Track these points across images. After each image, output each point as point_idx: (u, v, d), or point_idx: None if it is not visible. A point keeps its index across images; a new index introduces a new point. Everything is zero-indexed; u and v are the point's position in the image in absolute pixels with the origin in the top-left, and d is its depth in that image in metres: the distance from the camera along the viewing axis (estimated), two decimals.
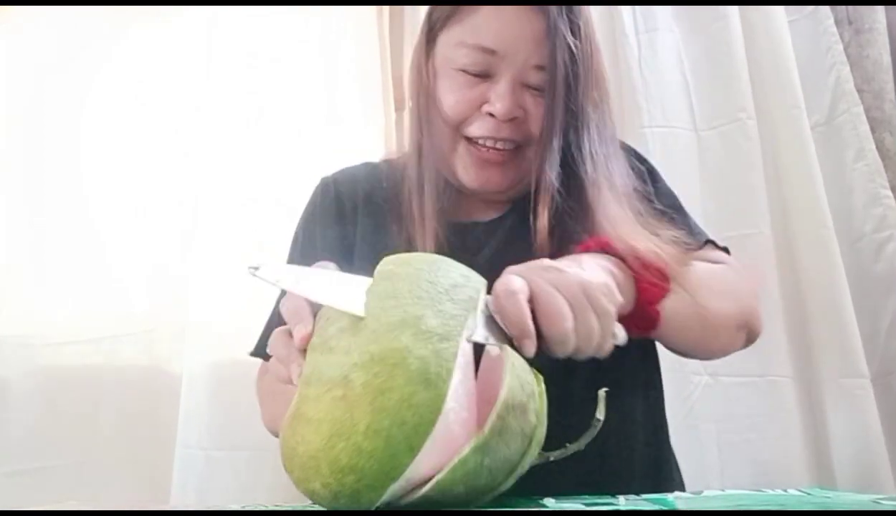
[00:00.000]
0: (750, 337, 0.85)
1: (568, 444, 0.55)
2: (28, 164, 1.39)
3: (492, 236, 0.85)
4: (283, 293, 0.88)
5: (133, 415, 1.29)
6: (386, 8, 1.55)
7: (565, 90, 0.78)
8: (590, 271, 0.61)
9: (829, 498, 0.53)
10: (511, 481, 0.50)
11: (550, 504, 0.52)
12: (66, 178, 1.39)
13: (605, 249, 0.69)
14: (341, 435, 0.44)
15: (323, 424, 0.45)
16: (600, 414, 0.55)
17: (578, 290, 0.57)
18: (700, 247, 0.85)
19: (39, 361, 1.31)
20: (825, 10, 1.46)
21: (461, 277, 0.52)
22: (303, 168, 1.28)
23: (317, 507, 0.51)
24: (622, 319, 0.63)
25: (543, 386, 0.53)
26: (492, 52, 0.79)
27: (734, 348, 0.85)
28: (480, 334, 0.52)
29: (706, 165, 1.43)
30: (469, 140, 0.82)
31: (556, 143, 0.79)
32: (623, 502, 0.53)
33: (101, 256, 1.36)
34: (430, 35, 0.86)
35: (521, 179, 0.83)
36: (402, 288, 0.49)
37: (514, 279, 0.56)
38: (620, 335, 0.60)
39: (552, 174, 0.78)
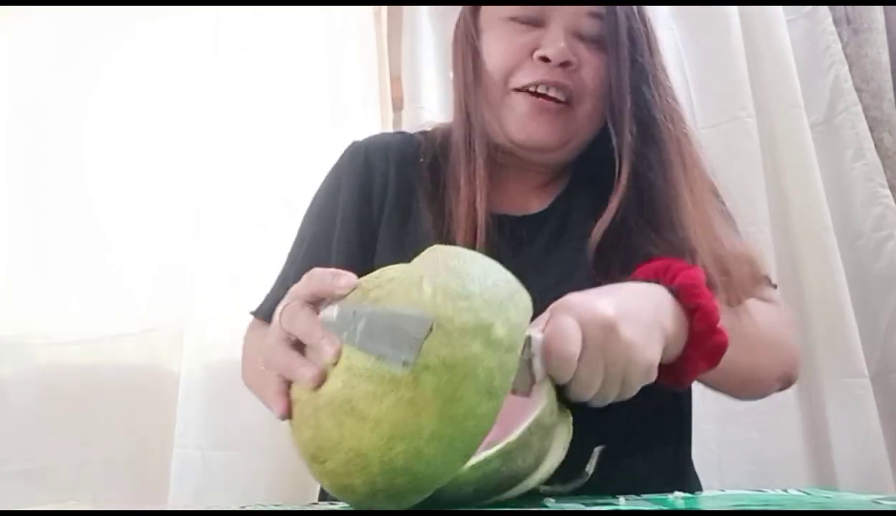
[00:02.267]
0: (785, 386, 0.83)
1: (557, 486, 0.55)
2: (30, 163, 1.39)
3: (534, 234, 0.80)
4: (294, 251, 0.87)
5: (132, 415, 1.29)
6: (385, 8, 1.55)
7: (629, 41, 0.74)
8: (644, 346, 0.56)
9: (829, 498, 0.53)
10: (509, 494, 0.50)
11: (550, 504, 0.52)
12: (69, 178, 1.39)
13: (665, 278, 0.64)
14: (403, 437, 0.43)
15: (383, 424, 0.43)
16: (590, 468, 0.56)
17: (621, 367, 0.55)
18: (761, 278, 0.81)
19: (39, 361, 1.31)
20: (824, 9, 1.46)
21: (517, 283, 0.51)
22: (307, 168, 1.28)
23: (318, 507, 0.51)
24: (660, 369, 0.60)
25: (571, 419, 0.55)
26: None
27: (768, 394, 0.83)
28: (539, 372, 0.53)
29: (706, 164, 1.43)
30: (518, 91, 0.78)
31: (628, 97, 0.74)
32: (623, 502, 0.53)
33: (103, 256, 1.36)
34: None
35: (570, 139, 0.79)
36: (474, 289, 0.46)
37: (575, 342, 0.53)
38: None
39: (627, 128, 0.73)
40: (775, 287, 0.87)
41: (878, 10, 1.46)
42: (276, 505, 0.61)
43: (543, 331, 0.54)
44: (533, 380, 0.53)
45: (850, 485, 1.25)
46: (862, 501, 0.51)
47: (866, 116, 1.40)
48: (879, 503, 0.49)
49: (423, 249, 0.52)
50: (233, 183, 1.36)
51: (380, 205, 0.82)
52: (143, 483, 1.25)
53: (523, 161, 0.83)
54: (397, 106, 1.49)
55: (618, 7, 0.74)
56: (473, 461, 0.46)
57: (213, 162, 1.36)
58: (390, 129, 1.47)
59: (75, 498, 1.21)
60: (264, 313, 0.86)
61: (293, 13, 1.47)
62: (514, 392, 0.51)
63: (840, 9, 1.47)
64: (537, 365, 0.53)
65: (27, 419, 1.28)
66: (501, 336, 0.45)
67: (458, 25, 0.85)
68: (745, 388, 0.79)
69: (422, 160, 0.84)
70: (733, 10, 1.46)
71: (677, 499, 0.55)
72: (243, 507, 0.58)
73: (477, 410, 0.44)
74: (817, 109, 1.43)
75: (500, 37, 0.79)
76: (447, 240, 0.75)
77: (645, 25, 0.77)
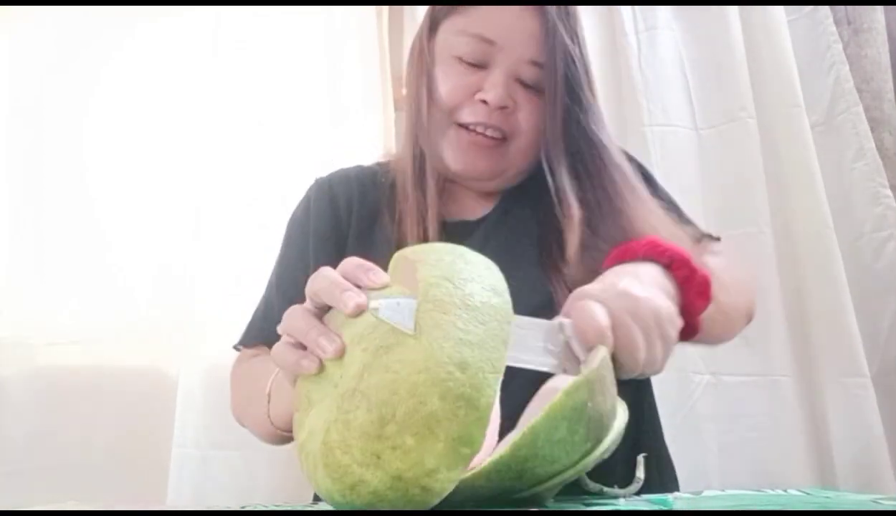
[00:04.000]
0: (749, 321, 0.89)
1: (610, 488, 0.58)
2: (30, 163, 1.39)
3: (484, 231, 0.87)
4: (273, 280, 0.91)
5: (132, 415, 1.29)
6: (385, 8, 1.55)
7: (565, 85, 0.82)
8: (656, 296, 0.62)
9: (829, 498, 0.53)
10: (591, 456, 0.51)
11: (550, 504, 0.52)
12: (69, 178, 1.39)
13: (653, 255, 0.68)
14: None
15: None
16: (641, 473, 0.59)
17: (652, 322, 0.59)
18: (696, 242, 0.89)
19: (39, 361, 1.31)
20: (824, 9, 1.46)
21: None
22: (307, 168, 1.28)
23: (319, 506, 0.51)
24: None
25: (626, 408, 0.56)
26: (490, 43, 0.82)
27: (738, 332, 0.89)
28: (556, 365, 0.56)
29: (706, 164, 1.43)
30: (459, 126, 0.85)
31: (562, 133, 0.82)
32: (623, 502, 0.53)
33: (102, 256, 1.36)
34: (434, 22, 0.89)
35: (504, 171, 0.87)
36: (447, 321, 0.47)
37: (600, 312, 0.57)
38: None
39: (563, 165, 0.82)
40: (719, 240, 0.94)
41: (878, 11, 1.46)
42: (276, 505, 0.61)
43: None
44: (578, 360, 0.56)
45: (851, 485, 1.25)
46: (862, 501, 0.51)
47: (866, 117, 1.40)
48: (879, 503, 0.49)
49: (384, 255, 0.55)
50: (233, 183, 1.36)
51: (347, 226, 0.90)
52: (142, 483, 1.25)
53: (467, 186, 0.91)
54: (398, 106, 1.49)
55: (557, 57, 0.81)
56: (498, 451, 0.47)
57: (213, 162, 1.36)
58: (391, 129, 1.47)
59: (75, 498, 1.21)
60: (247, 342, 0.90)
61: (293, 13, 1.47)
62: (565, 371, 0.55)
63: (840, 9, 1.47)
64: (575, 346, 0.56)
65: (27, 419, 1.28)
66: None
67: (413, 49, 0.92)
68: (726, 328, 0.84)
69: (383, 180, 0.92)
70: (733, 10, 1.46)
71: (677, 499, 0.55)
72: (243, 507, 0.58)
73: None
74: (818, 110, 1.43)
75: (447, 74, 0.85)
76: (402, 245, 0.80)
77: (584, 68, 0.84)
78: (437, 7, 0.89)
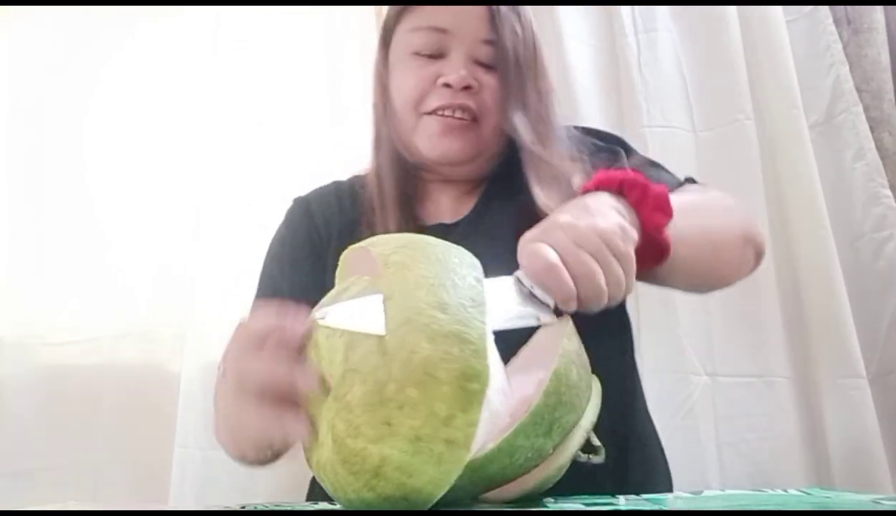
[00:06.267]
0: (758, 252, 0.87)
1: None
2: (30, 163, 1.39)
3: (464, 233, 0.87)
4: (259, 293, 0.92)
5: (132, 416, 1.29)
6: (385, 8, 1.55)
7: (515, 64, 0.85)
8: (601, 215, 0.61)
9: (828, 498, 0.53)
10: (572, 436, 0.50)
11: (550, 503, 0.52)
12: (69, 177, 1.39)
13: (602, 185, 0.68)
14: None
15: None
16: (596, 441, 0.55)
17: (598, 241, 0.58)
18: (678, 187, 0.88)
19: (39, 361, 1.31)
20: (824, 9, 1.46)
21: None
22: (307, 168, 1.28)
23: (318, 507, 0.51)
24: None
25: (600, 386, 0.54)
26: (443, 31, 0.86)
27: (747, 267, 0.86)
28: (531, 315, 0.55)
29: (704, 166, 1.43)
30: (428, 115, 0.86)
31: (521, 108, 0.85)
32: (623, 502, 0.53)
33: (102, 256, 1.36)
34: (386, 34, 0.94)
35: (480, 153, 0.88)
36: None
37: (545, 250, 0.57)
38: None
39: (528, 136, 0.85)
40: (697, 182, 0.94)
41: (878, 10, 1.46)
42: (276, 505, 0.61)
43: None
44: (549, 307, 0.55)
45: (847, 486, 1.25)
46: (862, 501, 0.51)
47: (866, 117, 1.40)
48: (879, 503, 0.49)
49: None
50: (233, 183, 1.36)
51: (328, 242, 0.90)
52: (143, 483, 1.26)
53: (446, 175, 0.92)
54: None
55: (505, 30, 0.84)
56: (505, 433, 0.45)
57: (213, 162, 1.36)
58: None
59: (75, 498, 1.22)
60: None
61: (293, 13, 1.47)
62: (538, 320, 0.55)
63: (840, 9, 1.47)
64: (538, 292, 0.56)
65: (27, 419, 1.28)
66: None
67: (374, 65, 0.95)
68: (721, 260, 0.82)
69: (360, 192, 0.93)
70: (732, 11, 1.46)
71: (677, 499, 0.55)
72: (243, 507, 0.58)
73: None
74: (818, 110, 1.43)
75: (408, 70, 0.88)
76: None
77: (530, 47, 0.87)
78: (388, 17, 0.94)
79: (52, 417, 1.28)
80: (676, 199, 0.70)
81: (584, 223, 0.59)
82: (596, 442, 0.55)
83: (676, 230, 0.68)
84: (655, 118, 1.43)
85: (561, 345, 0.50)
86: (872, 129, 1.39)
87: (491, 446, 0.44)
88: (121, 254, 1.36)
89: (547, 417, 0.46)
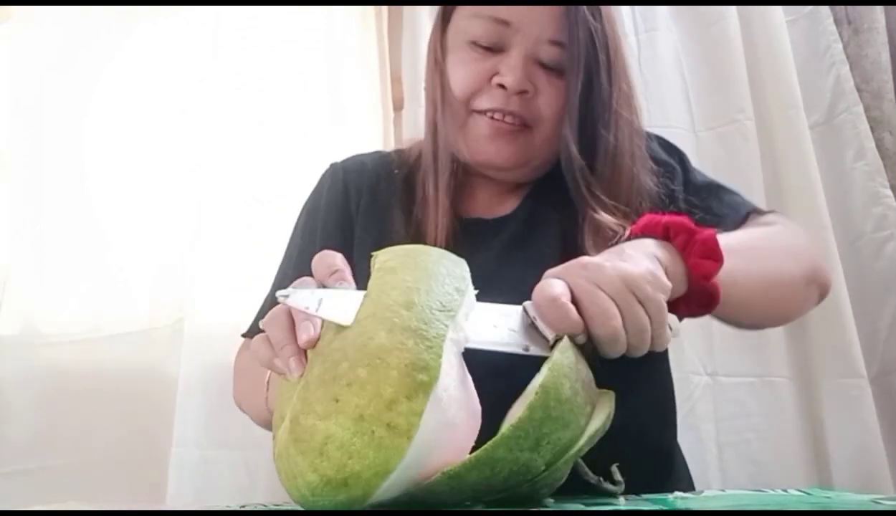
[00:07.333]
0: (822, 290, 0.83)
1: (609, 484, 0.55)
2: (30, 163, 1.39)
3: (501, 232, 0.83)
4: (281, 267, 0.90)
5: (132, 415, 1.29)
6: (385, 8, 1.55)
7: (585, 70, 0.76)
8: (631, 261, 0.58)
9: (829, 498, 0.53)
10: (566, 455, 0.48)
11: (550, 504, 0.52)
12: (69, 177, 1.39)
13: (648, 229, 0.65)
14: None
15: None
16: (618, 477, 0.55)
17: (621, 285, 0.55)
18: (743, 221, 0.83)
19: (39, 361, 1.31)
20: (824, 9, 1.46)
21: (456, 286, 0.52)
22: (307, 168, 1.28)
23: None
24: (680, 302, 0.62)
25: (613, 404, 0.53)
26: (505, 24, 0.78)
27: (810, 304, 0.83)
28: (520, 344, 0.54)
29: (704, 166, 1.41)
30: (478, 114, 0.81)
31: (575, 122, 0.77)
32: (623, 502, 0.53)
33: (102, 256, 1.36)
34: (446, 12, 0.85)
35: (528, 161, 0.82)
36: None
37: (554, 283, 0.55)
38: (675, 326, 0.58)
39: (574, 150, 0.77)
40: (771, 212, 0.89)
41: (878, 10, 1.46)
42: (276, 505, 0.61)
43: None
44: (547, 340, 0.54)
45: (848, 486, 1.25)
46: (862, 501, 0.51)
47: (867, 117, 1.40)
48: (879, 503, 0.49)
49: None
50: (233, 183, 1.36)
51: (355, 215, 0.87)
52: (142, 482, 1.25)
53: (489, 175, 0.86)
54: (397, 106, 1.49)
55: (580, 35, 0.76)
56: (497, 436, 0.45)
57: (213, 162, 1.36)
58: (391, 129, 1.47)
59: (75, 498, 1.21)
60: (254, 330, 0.87)
61: (293, 13, 1.47)
62: (526, 350, 0.54)
63: (840, 9, 1.47)
64: (540, 325, 0.55)
65: (27, 419, 1.28)
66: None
67: (429, 43, 0.88)
68: (779, 303, 0.79)
69: (396, 171, 0.88)
70: (732, 11, 1.46)
71: (677, 499, 0.55)
72: (243, 507, 0.58)
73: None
74: (818, 110, 1.43)
75: (462, 60, 0.81)
76: (417, 242, 0.79)
77: (606, 52, 0.78)
78: None
79: (52, 417, 1.28)
80: (731, 240, 0.67)
81: (610, 265, 0.56)
82: (618, 477, 0.55)
83: (729, 275, 0.64)
84: (655, 117, 1.43)
85: (550, 358, 0.49)
86: (872, 129, 1.39)
87: (469, 455, 0.45)
88: (121, 253, 1.36)
89: (532, 432, 0.45)
